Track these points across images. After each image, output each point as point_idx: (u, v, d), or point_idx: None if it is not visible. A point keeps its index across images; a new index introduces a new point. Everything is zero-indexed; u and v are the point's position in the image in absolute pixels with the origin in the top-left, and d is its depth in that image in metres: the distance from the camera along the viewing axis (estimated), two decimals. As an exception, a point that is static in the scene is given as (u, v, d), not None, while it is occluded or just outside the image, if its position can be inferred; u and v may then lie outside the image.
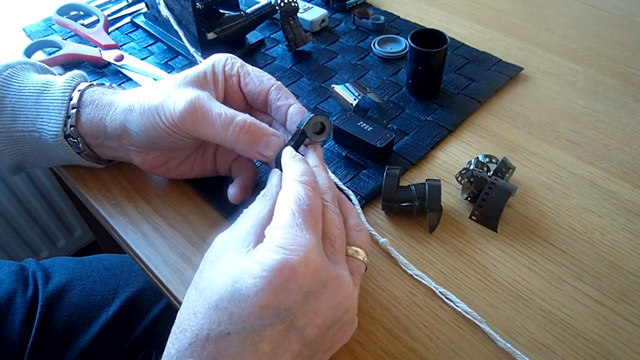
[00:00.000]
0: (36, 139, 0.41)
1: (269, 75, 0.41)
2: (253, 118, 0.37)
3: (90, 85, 0.42)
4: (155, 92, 0.38)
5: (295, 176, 0.32)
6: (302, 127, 0.36)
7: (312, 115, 0.36)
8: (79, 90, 0.41)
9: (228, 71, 0.40)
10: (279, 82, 0.40)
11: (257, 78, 0.40)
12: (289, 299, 0.26)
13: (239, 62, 0.41)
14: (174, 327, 0.28)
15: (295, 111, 0.38)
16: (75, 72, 0.43)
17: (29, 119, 0.41)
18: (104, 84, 0.44)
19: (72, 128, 0.40)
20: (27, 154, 0.43)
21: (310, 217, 0.29)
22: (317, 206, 0.30)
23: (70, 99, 0.40)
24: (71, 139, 0.41)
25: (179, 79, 0.39)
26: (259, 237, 0.30)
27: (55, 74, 0.46)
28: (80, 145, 0.41)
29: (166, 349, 0.28)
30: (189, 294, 0.29)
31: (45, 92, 0.41)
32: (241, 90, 0.41)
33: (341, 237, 0.31)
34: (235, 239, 0.30)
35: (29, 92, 0.41)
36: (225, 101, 0.41)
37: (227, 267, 0.28)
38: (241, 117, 0.36)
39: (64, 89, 0.41)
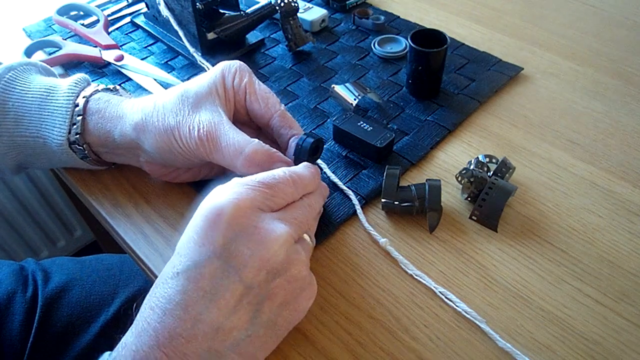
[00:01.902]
0: (40, 145, 0.41)
1: (275, 97, 0.40)
2: (261, 145, 0.37)
3: (95, 91, 0.42)
4: (169, 112, 0.38)
5: (288, 169, 0.34)
6: (303, 157, 0.38)
7: (311, 141, 0.38)
8: (84, 97, 0.41)
9: (236, 86, 0.40)
10: (283, 109, 0.40)
11: (262, 100, 0.40)
12: (220, 235, 0.29)
13: (247, 76, 0.40)
14: None
15: (294, 143, 0.39)
16: (79, 76, 0.43)
17: (33, 124, 0.40)
18: (108, 89, 0.43)
19: (77, 136, 0.40)
20: (30, 157, 0.43)
21: (268, 188, 0.32)
22: (284, 190, 0.33)
23: (76, 105, 0.40)
24: (76, 146, 0.41)
25: (190, 94, 0.38)
26: None
27: (57, 75, 0.46)
28: (86, 151, 0.41)
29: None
30: None
31: (49, 97, 0.41)
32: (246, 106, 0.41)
33: (300, 216, 0.34)
34: None
35: (32, 97, 0.41)
36: (233, 115, 0.41)
37: None
38: (249, 147, 0.36)
39: (69, 95, 0.40)
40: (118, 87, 0.45)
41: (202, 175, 0.44)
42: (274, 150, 0.37)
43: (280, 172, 0.34)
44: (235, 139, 0.36)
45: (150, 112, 0.38)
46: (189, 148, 0.37)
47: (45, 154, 0.42)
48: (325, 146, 0.48)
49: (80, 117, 0.40)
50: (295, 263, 0.31)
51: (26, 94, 0.41)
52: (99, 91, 0.42)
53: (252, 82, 0.40)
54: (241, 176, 0.36)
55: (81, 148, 0.41)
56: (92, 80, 0.56)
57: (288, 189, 0.33)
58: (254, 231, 0.30)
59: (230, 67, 0.40)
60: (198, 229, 0.30)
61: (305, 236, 0.35)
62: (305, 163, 0.37)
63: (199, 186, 0.45)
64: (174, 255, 0.30)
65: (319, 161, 0.46)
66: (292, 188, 0.34)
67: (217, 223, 0.29)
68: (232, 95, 0.40)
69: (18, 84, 0.41)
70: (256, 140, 0.37)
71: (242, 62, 0.41)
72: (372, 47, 0.60)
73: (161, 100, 0.39)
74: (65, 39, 0.61)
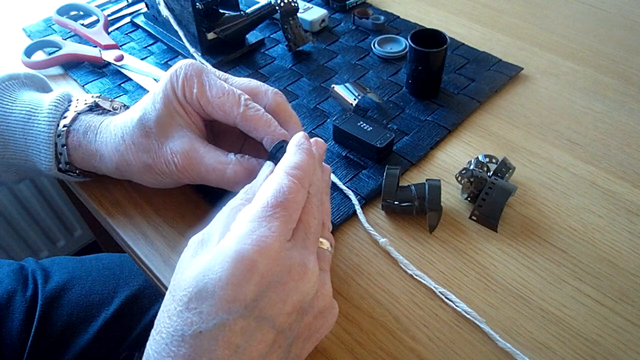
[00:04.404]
0: (31, 167, 0.42)
1: (233, 98, 0.36)
2: (239, 162, 0.36)
3: (75, 115, 0.40)
4: (140, 149, 0.37)
5: (287, 167, 0.31)
6: (275, 158, 0.35)
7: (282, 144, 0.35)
8: (64, 126, 0.40)
9: (189, 100, 0.37)
10: (241, 111, 0.36)
11: (218, 108, 0.36)
12: (252, 290, 0.26)
13: (195, 85, 0.36)
14: (152, 330, 0.28)
15: (268, 144, 0.36)
16: (58, 94, 0.41)
17: (20, 148, 0.41)
18: (90, 107, 0.42)
19: (68, 165, 0.41)
20: (27, 173, 0.44)
21: (284, 209, 0.29)
22: (296, 200, 0.30)
23: (59, 135, 0.40)
24: (69, 173, 0.42)
25: (151, 124, 0.37)
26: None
27: (43, 78, 0.46)
28: (77, 172, 0.42)
29: (145, 351, 0.28)
30: (165, 298, 0.29)
31: (30, 120, 0.40)
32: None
33: (316, 227, 0.31)
34: (206, 236, 0.30)
35: (15, 120, 0.40)
36: (212, 123, 0.40)
37: (194, 265, 0.28)
38: (229, 171, 0.35)
39: (49, 120, 0.40)
40: (97, 99, 0.43)
41: (198, 182, 0.43)
42: (255, 162, 0.36)
43: (284, 180, 0.30)
44: (213, 164, 0.35)
45: (123, 150, 0.38)
46: (172, 178, 0.37)
47: (41, 173, 0.43)
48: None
49: (64, 148, 0.40)
50: (320, 297, 0.30)
51: (9, 116, 0.40)
52: (80, 113, 0.41)
53: (202, 90, 0.36)
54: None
55: (75, 174, 0.42)
56: (92, 81, 0.56)
57: (299, 196, 0.30)
58: (287, 277, 0.27)
59: (178, 78, 0.36)
60: (224, 285, 0.26)
61: (324, 242, 0.33)
62: (295, 145, 0.33)
63: (199, 187, 0.44)
64: (190, 311, 0.26)
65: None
66: (301, 192, 0.30)
67: (248, 278, 0.26)
68: (191, 110, 0.37)
69: (1, 104, 0.41)
70: (234, 158, 0.36)
71: (190, 63, 0.37)
72: (372, 47, 0.60)
73: (129, 136, 0.37)
74: (65, 39, 0.61)
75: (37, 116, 0.40)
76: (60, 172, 0.41)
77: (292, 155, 0.32)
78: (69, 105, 0.41)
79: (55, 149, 0.40)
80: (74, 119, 0.40)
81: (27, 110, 0.40)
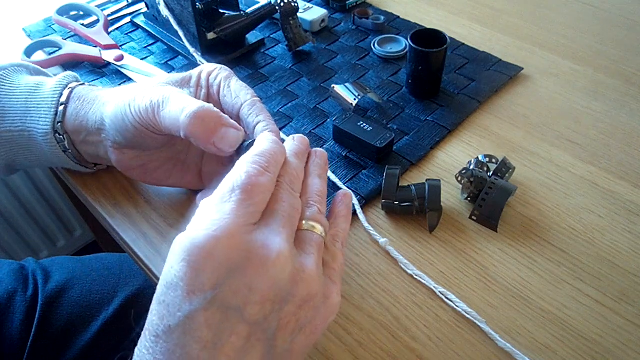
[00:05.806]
0: (25, 139, 0.41)
1: (249, 90, 0.38)
2: (214, 108, 0.34)
3: (82, 84, 0.42)
4: (137, 87, 0.38)
5: (248, 155, 0.30)
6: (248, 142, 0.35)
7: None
8: (69, 88, 0.41)
9: (212, 80, 0.39)
10: (253, 99, 0.38)
11: (234, 92, 0.38)
12: (210, 278, 0.25)
13: (226, 74, 0.39)
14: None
15: (261, 130, 0.36)
16: (68, 73, 0.43)
17: (18, 117, 0.41)
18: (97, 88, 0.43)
19: (59, 124, 0.40)
20: (17, 155, 0.43)
21: (242, 192, 0.28)
22: (257, 183, 0.29)
23: (60, 96, 0.41)
24: (57, 134, 0.40)
25: (163, 78, 0.39)
26: None
27: (50, 75, 0.46)
28: (66, 142, 0.41)
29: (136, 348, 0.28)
30: None
31: (35, 91, 0.41)
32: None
33: (286, 210, 0.30)
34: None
35: (19, 93, 0.41)
36: None
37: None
38: (199, 103, 0.34)
39: (55, 88, 0.41)
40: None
41: (173, 180, 0.43)
42: (226, 116, 0.35)
43: (243, 166, 0.29)
44: (185, 98, 0.35)
45: (121, 91, 0.39)
46: (139, 115, 0.36)
47: (31, 150, 0.42)
48: (325, 146, 0.49)
49: (62, 107, 0.40)
50: (300, 283, 0.27)
51: (14, 91, 0.41)
52: (86, 85, 0.42)
53: (228, 77, 0.39)
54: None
55: (62, 137, 0.41)
56: (92, 81, 0.56)
57: (261, 179, 0.29)
58: (247, 262, 0.26)
59: (213, 66, 0.40)
60: (183, 276, 0.25)
61: (317, 226, 0.31)
62: (261, 136, 0.33)
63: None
64: (160, 304, 0.26)
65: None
66: (264, 176, 0.29)
67: (204, 266, 0.25)
68: (205, 86, 0.39)
69: (7, 83, 0.41)
70: (210, 104, 0.35)
71: (226, 67, 0.41)
72: (372, 47, 0.60)
73: (138, 84, 0.39)
74: (65, 39, 0.61)
75: (43, 87, 0.41)
76: (53, 137, 0.40)
77: (255, 145, 0.32)
78: (77, 82, 0.43)
79: (56, 109, 0.40)
80: (82, 84, 0.42)
81: (33, 84, 0.41)
